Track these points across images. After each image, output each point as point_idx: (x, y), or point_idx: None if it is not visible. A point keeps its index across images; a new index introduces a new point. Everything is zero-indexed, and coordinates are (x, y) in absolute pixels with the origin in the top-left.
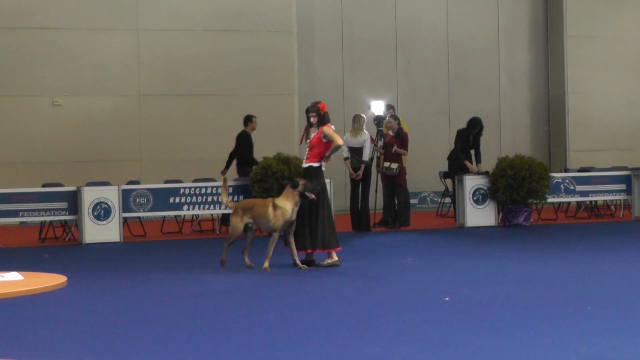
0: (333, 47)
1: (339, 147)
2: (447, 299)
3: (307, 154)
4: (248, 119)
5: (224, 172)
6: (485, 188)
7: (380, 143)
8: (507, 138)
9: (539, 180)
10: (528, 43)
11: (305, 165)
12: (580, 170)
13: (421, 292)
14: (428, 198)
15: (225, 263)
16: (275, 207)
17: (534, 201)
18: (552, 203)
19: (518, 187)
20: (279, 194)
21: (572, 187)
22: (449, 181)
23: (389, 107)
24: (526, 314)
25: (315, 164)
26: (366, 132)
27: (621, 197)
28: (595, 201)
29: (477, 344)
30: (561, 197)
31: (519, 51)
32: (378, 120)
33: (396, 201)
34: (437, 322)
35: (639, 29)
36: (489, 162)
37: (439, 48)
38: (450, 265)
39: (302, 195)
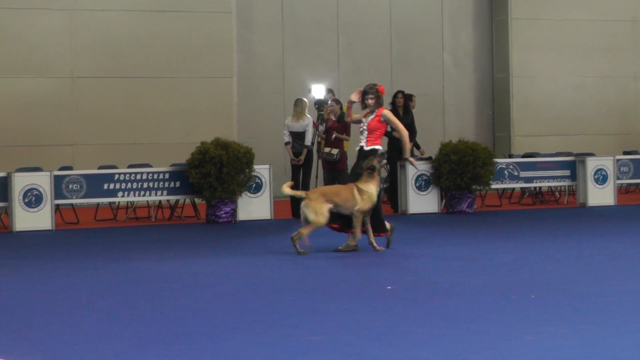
0: (273, 27)
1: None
2: (389, 287)
3: (367, 137)
4: (408, 98)
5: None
6: (428, 174)
7: (322, 128)
8: (451, 121)
9: (483, 166)
10: (472, 24)
11: (367, 148)
12: (524, 156)
13: (363, 280)
14: None
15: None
16: (360, 191)
17: (478, 187)
18: (496, 189)
19: (462, 172)
20: (217, 179)
21: (516, 173)
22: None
23: (329, 91)
24: (470, 302)
25: (378, 147)
26: (308, 116)
27: (566, 183)
28: (540, 187)
29: (421, 332)
30: (505, 183)
31: (463, 32)
32: (319, 105)
33: None
34: (381, 310)
35: (585, 11)
36: (432, 146)
37: (382, 28)
38: (393, 252)
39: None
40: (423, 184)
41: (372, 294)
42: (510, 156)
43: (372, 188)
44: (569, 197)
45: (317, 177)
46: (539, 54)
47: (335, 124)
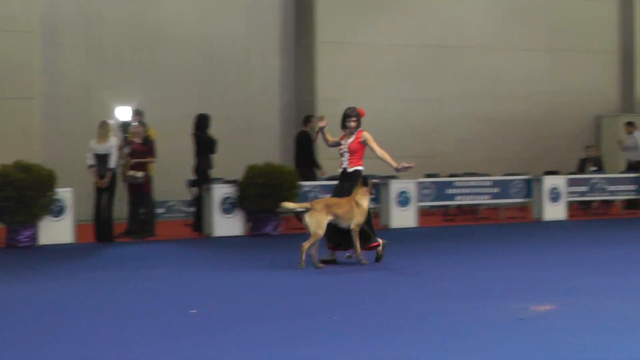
0: (79, 48)
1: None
2: (193, 311)
3: (350, 159)
4: (307, 120)
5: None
6: (234, 197)
7: (126, 150)
8: (257, 144)
9: (289, 189)
10: (279, 48)
11: (350, 169)
12: (329, 179)
13: (167, 304)
14: (175, 207)
15: (320, 264)
16: (357, 204)
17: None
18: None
19: (268, 195)
20: (18, 203)
21: (321, 196)
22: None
23: (137, 112)
24: (277, 324)
25: (360, 167)
26: (113, 138)
27: (370, 205)
28: None
29: (225, 356)
30: None
31: (270, 56)
32: (124, 127)
33: (141, 210)
34: (185, 334)
35: (391, 36)
36: (238, 169)
37: (190, 51)
38: (198, 276)
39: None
40: (229, 207)
41: (175, 318)
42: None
43: (366, 203)
44: (374, 219)
45: (120, 201)
46: (345, 77)
47: (140, 146)
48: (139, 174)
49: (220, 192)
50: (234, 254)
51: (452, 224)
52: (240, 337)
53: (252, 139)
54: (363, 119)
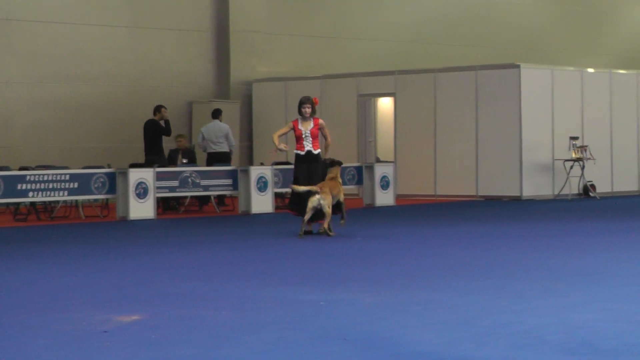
0: None
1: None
2: None
3: (312, 142)
4: (157, 109)
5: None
6: None
7: None
8: None
9: None
10: None
11: (315, 152)
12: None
13: None
14: None
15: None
16: (339, 183)
17: None
18: None
19: None
20: None
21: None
22: None
23: None
24: None
25: (319, 150)
26: None
27: None
28: None
29: None
30: None
31: None
32: None
33: None
34: None
35: None
36: None
37: None
38: None
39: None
40: None
41: None
42: None
43: (340, 179)
44: None
45: None
46: None
47: None
48: None
49: None
50: None
51: (24, 225)
52: None
53: None
54: None
